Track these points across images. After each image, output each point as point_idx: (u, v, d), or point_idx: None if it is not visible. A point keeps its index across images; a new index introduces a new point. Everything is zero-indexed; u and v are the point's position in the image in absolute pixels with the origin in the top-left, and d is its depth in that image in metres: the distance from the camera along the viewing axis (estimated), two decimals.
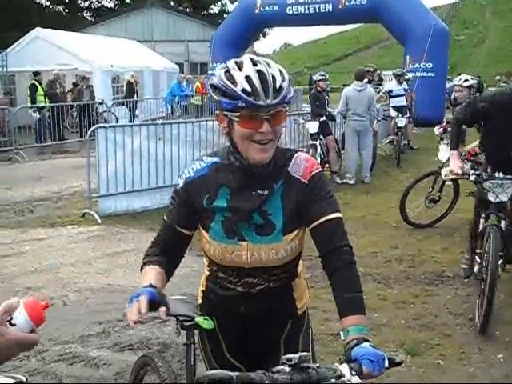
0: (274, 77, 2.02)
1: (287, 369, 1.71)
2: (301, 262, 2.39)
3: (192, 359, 2.60)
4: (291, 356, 1.71)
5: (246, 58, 2.07)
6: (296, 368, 1.71)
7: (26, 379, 2.05)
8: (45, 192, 10.74)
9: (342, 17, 24.46)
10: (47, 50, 20.47)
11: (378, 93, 15.91)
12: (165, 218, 2.32)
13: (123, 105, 20.42)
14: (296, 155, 2.22)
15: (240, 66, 2.04)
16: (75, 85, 19.95)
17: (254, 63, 2.04)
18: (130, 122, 18.04)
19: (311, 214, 2.14)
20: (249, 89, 1.98)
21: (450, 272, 6.46)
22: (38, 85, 17.59)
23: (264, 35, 57.97)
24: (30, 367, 4.36)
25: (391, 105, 15.20)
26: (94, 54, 21.70)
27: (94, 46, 22.94)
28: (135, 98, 20.73)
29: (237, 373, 1.66)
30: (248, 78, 1.99)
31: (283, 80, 2.04)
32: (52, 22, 35.11)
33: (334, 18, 24.83)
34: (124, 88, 21.56)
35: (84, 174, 9.34)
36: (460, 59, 50.12)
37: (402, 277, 6.36)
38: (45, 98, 17.61)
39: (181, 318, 2.49)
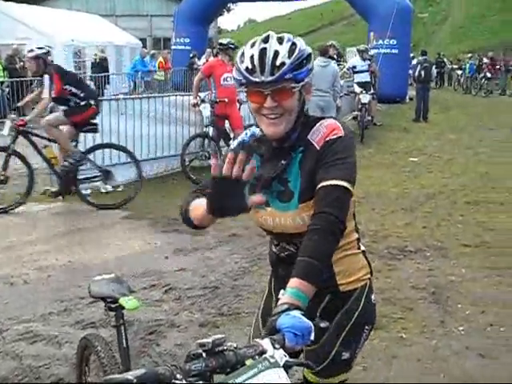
0: (277, 53, 2.04)
1: (203, 355, 1.62)
2: (354, 236, 2.35)
3: (124, 341, 2.50)
4: (204, 341, 1.63)
5: (265, 35, 2.11)
6: (210, 353, 1.62)
7: None
8: None
9: None
10: (5, 23, 19.96)
11: (342, 69, 15.91)
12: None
13: (91, 80, 20.10)
14: (320, 122, 2.18)
15: (253, 44, 2.10)
16: None
17: (266, 40, 2.08)
18: None
19: (316, 180, 2.07)
20: (250, 66, 2.05)
21: (412, 247, 6.52)
22: None
23: (228, 10, 57.66)
24: None
25: (355, 81, 15.23)
26: (55, 28, 21.24)
27: (54, 20, 22.44)
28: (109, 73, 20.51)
29: (141, 371, 1.51)
30: (252, 56, 2.06)
31: (290, 57, 2.04)
32: None
33: None
34: (86, 64, 21.20)
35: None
36: (423, 37, 50.43)
37: None
38: (3, 73, 17.20)
39: (107, 300, 2.41)
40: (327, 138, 2.11)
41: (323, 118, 2.24)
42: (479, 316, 4.86)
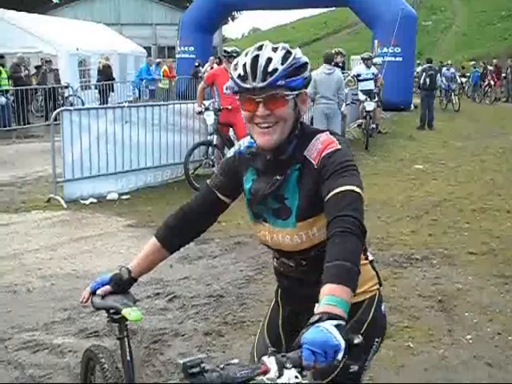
0: (269, 60, 2.01)
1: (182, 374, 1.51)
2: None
3: (128, 354, 2.44)
4: (187, 359, 1.52)
5: (259, 44, 2.10)
6: (187, 374, 1.50)
7: None
8: (9, 177, 10.51)
9: (310, 1, 24.40)
10: (11, 33, 20.01)
11: (346, 77, 15.91)
12: (207, 181, 2.35)
13: (96, 88, 20.16)
14: (317, 136, 2.12)
15: (247, 52, 2.08)
16: (38, 68, 19.56)
17: (259, 48, 2.07)
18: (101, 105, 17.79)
19: (323, 195, 1.98)
20: (242, 73, 2.03)
21: (418, 254, 6.47)
22: (1, 68, 17.19)
23: (233, 19, 57.85)
24: None
25: (359, 89, 15.21)
26: (60, 37, 21.32)
27: (59, 29, 22.53)
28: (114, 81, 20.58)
29: None
30: (245, 63, 2.04)
31: (283, 64, 2.01)
32: (16, 3, 34.35)
33: (302, 2, 24.82)
34: (91, 72, 21.25)
35: (49, 159, 9.15)
36: (427, 45, 50.40)
37: None
38: (8, 82, 17.24)
39: (110, 311, 2.36)
40: (323, 153, 2.05)
41: (319, 131, 2.19)
42: (487, 324, 4.81)
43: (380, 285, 2.38)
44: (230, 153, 2.32)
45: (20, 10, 23.40)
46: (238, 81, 2.03)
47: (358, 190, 1.94)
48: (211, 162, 9.86)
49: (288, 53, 2.05)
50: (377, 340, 2.30)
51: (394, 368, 4.10)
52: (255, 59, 2.02)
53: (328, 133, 2.15)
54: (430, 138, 16.31)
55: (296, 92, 2.06)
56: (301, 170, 2.11)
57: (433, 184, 10.34)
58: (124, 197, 9.04)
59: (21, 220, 7.81)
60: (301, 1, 24.34)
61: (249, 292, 5.46)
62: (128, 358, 2.42)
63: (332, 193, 1.94)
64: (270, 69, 2.00)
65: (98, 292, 2.36)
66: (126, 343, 2.43)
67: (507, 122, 19.61)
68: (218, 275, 5.91)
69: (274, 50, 2.05)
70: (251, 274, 5.93)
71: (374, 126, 15.37)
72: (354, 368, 2.21)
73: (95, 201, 8.74)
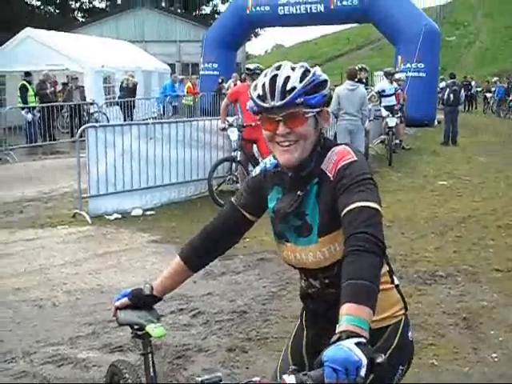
0: (288, 78, 2.02)
1: None
2: (384, 268, 2.13)
3: (151, 370, 2.43)
4: (205, 377, 1.53)
5: (277, 64, 2.12)
6: None
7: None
8: (35, 192, 10.65)
9: (333, 17, 24.50)
10: (38, 51, 20.30)
11: (369, 93, 15.90)
12: (232, 199, 2.35)
13: (118, 105, 20.37)
14: (332, 149, 2.11)
15: (266, 73, 2.09)
16: (64, 85, 19.82)
17: (278, 68, 2.08)
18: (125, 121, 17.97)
19: (339, 209, 1.94)
20: (261, 93, 2.05)
21: (442, 271, 6.41)
22: (28, 85, 17.47)
23: (256, 36, 58.10)
24: (18, 369, 4.28)
25: (382, 104, 15.19)
26: (85, 55, 21.58)
27: (84, 47, 22.80)
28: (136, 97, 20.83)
29: None
30: (264, 83, 2.06)
31: (301, 81, 2.02)
32: (43, 22, 35.05)
33: (325, 19, 24.86)
34: (116, 89, 21.47)
35: (74, 175, 9.26)
36: (451, 60, 50.24)
37: None
38: (35, 99, 17.50)
39: (134, 327, 2.36)
40: (339, 166, 2.03)
41: (336, 144, 2.17)
42: None
43: (406, 309, 2.28)
44: (255, 171, 2.31)
45: (46, 29, 23.73)
46: (258, 101, 2.05)
47: (374, 205, 1.90)
48: (235, 178, 9.89)
49: (307, 71, 2.06)
50: (402, 368, 2.20)
51: None
52: (273, 79, 2.04)
53: (345, 146, 2.13)
54: (454, 154, 16.21)
55: (316, 110, 2.06)
56: (319, 184, 2.09)
57: (457, 200, 10.27)
58: (148, 212, 9.10)
59: (46, 235, 7.90)
60: (324, 17, 24.42)
61: (272, 308, 5.46)
62: (152, 373, 2.43)
63: (347, 209, 1.90)
64: (288, 87, 2.01)
65: (116, 304, 2.37)
66: (150, 359, 2.44)
67: None
68: (241, 291, 5.92)
69: (293, 69, 2.06)
70: (275, 290, 5.93)
71: (398, 141, 15.33)
72: None
73: (120, 216, 8.81)
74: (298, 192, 2.11)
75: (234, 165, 9.91)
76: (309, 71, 2.06)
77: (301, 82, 2.02)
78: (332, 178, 2.04)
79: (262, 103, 2.04)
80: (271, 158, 2.26)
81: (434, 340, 4.76)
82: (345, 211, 1.91)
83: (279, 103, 2.01)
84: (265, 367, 4.25)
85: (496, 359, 4.48)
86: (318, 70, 2.10)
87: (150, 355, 2.44)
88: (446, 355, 4.52)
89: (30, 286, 6.01)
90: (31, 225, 8.38)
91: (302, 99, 2.01)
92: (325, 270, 2.14)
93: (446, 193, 10.88)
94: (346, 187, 1.96)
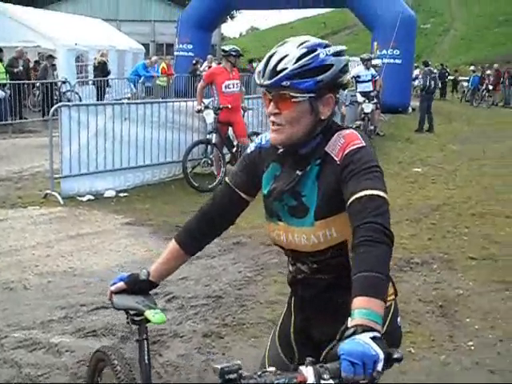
0: (283, 58, 1.96)
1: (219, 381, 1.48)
2: None
3: (146, 357, 2.38)
4: (224, 365, 1.49)
5: (290, 39, 2.07)
6: (224, 379, 1.48)
7: None
8: (5, 172, 10.41)
9: (309, 1, 24.35)
10: (9, 26, 19.85)
11: None
12: (226, 179, 2.29)
13: (93, 84, 20.03)
14: (339, 132, 2.04)
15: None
16: (36, 62, 19.41)
17: (282, 44, 2.04)
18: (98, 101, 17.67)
19: (344, 196, 1.90)
20: (259, 68, 2.04)
21: (418, 258, 6.42)
22: None
23: (232, 18, 57.68)
24: None
25: (358, 90, 15.17)
26: (58, 32, 21.18)
27: (57, 24, 22.38)
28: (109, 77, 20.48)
29: None
30: (264, 60, 2.04)
31: (295, 64, 1.94)
32: None
33: (301, 2, 24.70)
34: (89, 67, 21.12)
35: (46, 154, 9.09)
36: (425, 48, 50.48)
37: None
38: (6, 76, 17.11)
39: (131, 312, 2.31)
40: (347, 150, 1.96)
41: (342, 127, 2.11)
42: (488, 331, 4.76)
43: (395, 295, 2.24)
44: (250, 147, 2.26)
45: (20, 4, 23.23)
46: (256, 76, 2.06)
47: (382, 194, 1.86)
48: (210, 161, 9.82)
49: (308, 52, 1.96)
50: None
51: (395, 374, 4.05)
52: (272, 56, 2.01)
53: (352, 129, 2.07)
54: (427, 141, 16.30)
55: (309, 95, 1.97)
56: (321, 166, 2.03)
57: (431, 187, 10.31)
58: (121, 194, 8.97)
59: (17, 216, 7.73)
60: (299, 1, 24.29)
61: (248, 293, 5.41)
62: (146, 361, 2.37)
63: (354, 197, 1.85)
64: (279, 67, 1.95)
65: (112, 288, 2.33)
66: (145, 346, 2.38)
67: (505, 127, 19.59)
68: (216, 276, 5.85)
69: (297, 46, 1.98)
70: (250, 275, 5.88)
71: (373, 128, 15.34)
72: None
73: (92, 198, 8.67)
74: (297, 171, 2.05)
75: (209, 147, 9.81)
76: (311, 53, 1.97)
77: (296, 63, 1.94)
78: (338, 162, 1.97)
79: (257, 79, 2.04)
80: (267, 134, 2.20)
81: (411, 328, 4.74)
82: (352, 199, 1.86)
83: (266, 82, 1.99)
84: (242, 353, 4.20)
85: (472, 347, 4.49)
86: (328, 51, 1.99)
87: (145, 341, 2.38)
88: (423, 343, 4.52)
89: (0, 268, 5.87)
90: (1, 205, 8.19)
91: (289, 82, 1.94)
92: (316, 254, 2.07)
93: (421, 180, 10.92)
94: (353, 173, 1.91)
